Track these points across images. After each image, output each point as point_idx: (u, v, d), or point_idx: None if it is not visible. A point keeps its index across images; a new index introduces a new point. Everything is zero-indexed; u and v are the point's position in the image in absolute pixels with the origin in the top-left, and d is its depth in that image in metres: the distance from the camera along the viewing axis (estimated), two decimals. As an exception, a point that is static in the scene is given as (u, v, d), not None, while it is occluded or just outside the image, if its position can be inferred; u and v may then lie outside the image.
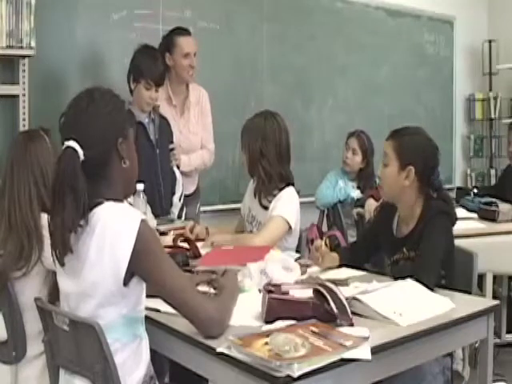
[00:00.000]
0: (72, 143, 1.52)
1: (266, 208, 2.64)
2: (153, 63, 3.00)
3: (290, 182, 2.64)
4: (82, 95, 1.61)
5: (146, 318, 1.66)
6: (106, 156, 1.58)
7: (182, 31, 3.33)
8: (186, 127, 3.42)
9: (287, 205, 2.59)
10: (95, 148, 1.54)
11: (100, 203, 1.55)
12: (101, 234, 1.51)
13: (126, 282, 1.52)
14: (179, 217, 3.15)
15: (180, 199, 3.20)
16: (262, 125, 2.63)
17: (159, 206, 3.04)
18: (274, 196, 2.61)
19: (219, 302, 1.63)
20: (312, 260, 2.32)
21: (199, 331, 1.56)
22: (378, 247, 2.39)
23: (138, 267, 1.52)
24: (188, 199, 3.37)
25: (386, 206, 2.34)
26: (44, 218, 1.95)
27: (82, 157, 1.52)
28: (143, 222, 1.53)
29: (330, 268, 2.32)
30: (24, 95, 3.07)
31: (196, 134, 3.46)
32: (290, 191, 2.62)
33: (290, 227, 2.58)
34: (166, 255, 1.61)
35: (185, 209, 3.24)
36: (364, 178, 3.85)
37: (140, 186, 2.39)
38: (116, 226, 1.52)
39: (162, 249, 1.62)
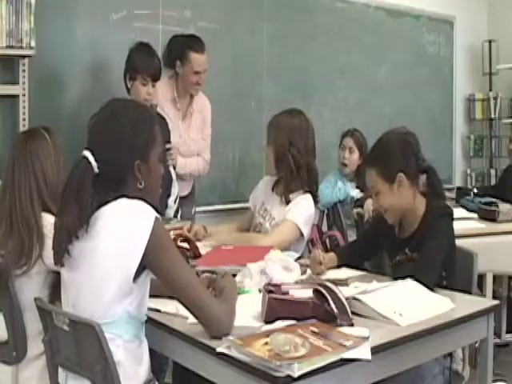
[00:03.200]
0: (87, 154, 1.57)
1: (284, 204, 2.62)
2: (148, 59, 3.00)
3: (311, 191, 2.63)
4: (111, 109, 1.65)
5: (146, 318, 1.66)
6: (121, 174, 1.61)
7: (197, 46, 3.29)
8: (187, 132, 3.42)
9: (303, 212, 2.58)
10: (110, 166, 1.58)
11: (113, 199, 1.58)
12: (115, 228, 1.54)
13: (135, 277, 1.54)
14: (174, 217, 3.15)
15: (175, 201, 3.20)
16: (289, 119, 2.67)
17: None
18: (298, 194, 2.61)
19: (226, 304, 1.63)
20: (313, 271, 2.25)
21: (206, 330, 1.57)
22: (378, 247, 2.38)
23: (151, 262, 1.54)
24: (183, 200, 3.36)
25: None
26: (45, 217, 1.96)
27: (95, 169, 1.56)
28: (157, 218, 1.57)
29: (330, 268, 2.32)
30: (24, 95, 3.07)
31: (195, 141, 3.46)
32: (308, 198, 2.62)
33: (302, 234, 2.57)
34: (177, 252, 1.64)
35: (180, 211, 3.24)
36: (363, 174, 3.84)
37: None
38: (131, 220, 1.55)
39: (174, 246, 1.66)
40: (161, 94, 3.27)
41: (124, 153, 1.60)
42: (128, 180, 1.62)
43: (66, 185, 1.58)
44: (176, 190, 3.19)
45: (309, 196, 2.63)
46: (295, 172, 2.61)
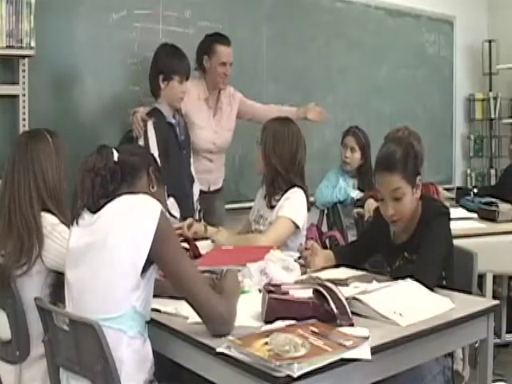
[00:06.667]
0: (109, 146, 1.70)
1: (272, 207, 2.67)
2: (182, 60, 3.10)
3: (296, 184, 2.65)
4: None
5: (150, 318, 1.66)
6: (137, 168, 1.70)
7: (223, 39, 3.43)
8: (219, 125, 3.51)
9: (294, 205, 2.61)
10: (128, 157, 1.70)
11: (119, 195, 1.63)
12: (122, 221, 1.56)
13: (143, 271, 1.55)
14: (200, 219, 3.20)
15: (197, 201, 3.28)
16: (277, 125, 2.70)
17: (187, 207, 3.10)
18: (282, 195, 2.63)
19: (228, 301, 1.64)
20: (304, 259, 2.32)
21: (207, 327, 1.58)
22: (375, 250, 2.38)
23: (157, 254, 1.56)
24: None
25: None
26: (45, 217, 1.96)
27: (115, 158, 1.66)
28: (162, 211, 1.60)
29: (330, 268, 2.32)
30: (24, 95, 3.07)
31: (229, 129, 3.57)
32: (297, 191, 2.64)
33: (297, 227, 2.59)
34: (181, 247, 1.69)
35: (202, 210, 3.31)
36: (364, 173, 3.84)
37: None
38: (137, 213, 1.58)
39: (178, 240, 1.72)
40: (196, 96, 3.36)
41: (143, 155, 1.78)
42: (142, 177, 1.71)
43: (82, 164, 1.67)
44: (197, 190, 3.27)
45: (296, 189, 2.64)
46: (270, 179, 2.67)
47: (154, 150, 2.92)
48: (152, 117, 3.01)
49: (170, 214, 2.87)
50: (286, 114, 3.45)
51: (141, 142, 2.96)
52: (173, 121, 3.11)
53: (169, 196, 2.88)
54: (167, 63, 3.07)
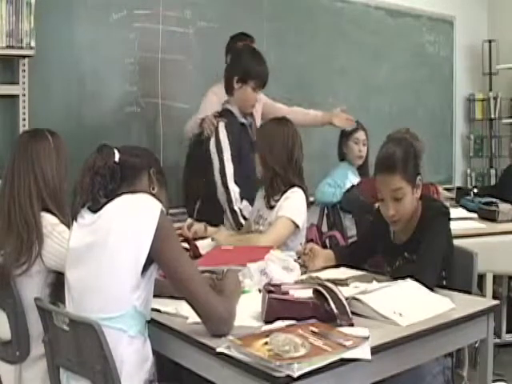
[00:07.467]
0: (110, 145, 1.70)
1: (272, 207, 2.67)
2: (263, 67, 3.04)
3: (295, 184, 2.65)
4: None
5: (150, 318, 1.66)
6: (137, 169, 1.71)
7: (238, 36, 3.43)
8: None
9: (294, 204, 2.60)
10: (129, 157, 1.70)
11: (119, 195, 1.63)
12: (122, 221, 1.56)
13: (143, 271, 1.56)
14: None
15: None
16: (272, 126, 2.70)
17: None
18: (281, 196, 2.63)
19: (228, 301, 1.64)
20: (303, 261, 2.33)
21: (206, 327, 1.58)
22: (375, 252, 2.38)
23: (157, 253, 1.56)
24: None
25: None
26: (45, 217, 1.96)
27: (116, 158, 1.66)
28: (162, 211, 1.59)
29: (330, 268, 2.33)
30: (24, 95, 3.07)
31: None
32: (297, 190, 2.63)
33: (297, 226, 2.59)
34: (182, 246, 1.68)
35: None
36: (363, 163, 3.88)
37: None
38: (137, 212, 1.58)
39: (178, 239, 1.72)
40: (224, 97, 3.29)
41: (144, 156, 1.76)
42: (143, 177, 1.71)
43: (84, 163, 1.67)
44: None
45: (296, 189, 2.64)
46: (270, 181, 2.66)
47: (226, 151, 2.87)
48: (223, 118, 2.96)
49: (242, 216, 2.87)
50: (311, 118, 3.46)
51: (212, 143, 2.90)
52: (244, 121, 3.05)
53: (242, 199, 2.88)
54: (247, 65, 3.00)
